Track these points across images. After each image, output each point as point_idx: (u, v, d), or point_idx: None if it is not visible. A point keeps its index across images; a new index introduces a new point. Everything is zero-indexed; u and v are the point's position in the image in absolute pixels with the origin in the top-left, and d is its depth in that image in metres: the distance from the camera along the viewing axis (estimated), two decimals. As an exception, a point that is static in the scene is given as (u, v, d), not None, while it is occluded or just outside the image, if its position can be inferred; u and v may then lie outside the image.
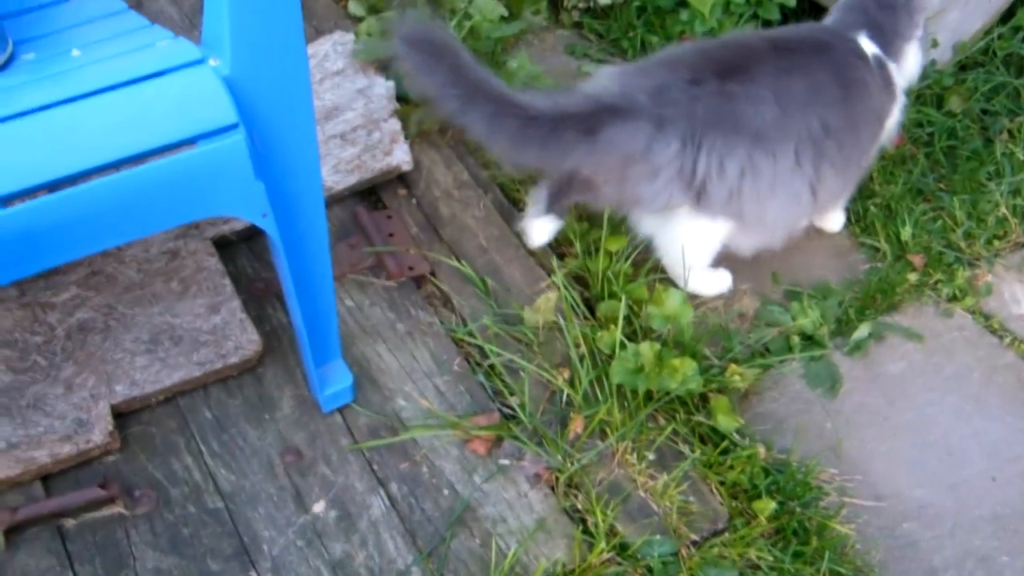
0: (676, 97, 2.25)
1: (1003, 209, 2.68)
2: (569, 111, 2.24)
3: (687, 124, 2.24)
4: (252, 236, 2.46)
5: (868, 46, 2.48)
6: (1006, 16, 3.17)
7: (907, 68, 2.58)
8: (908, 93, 2.66)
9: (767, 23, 3.20)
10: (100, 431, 2.03)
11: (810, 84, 2.33)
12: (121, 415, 2.12)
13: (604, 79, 2.37)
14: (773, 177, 2.31)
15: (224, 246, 2.44)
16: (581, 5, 3.32)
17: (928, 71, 2.99)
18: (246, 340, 2.21)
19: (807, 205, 2.41)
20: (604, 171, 2.31)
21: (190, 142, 1.60)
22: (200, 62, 1.64)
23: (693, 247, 2.42)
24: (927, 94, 2.98)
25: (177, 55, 1.66)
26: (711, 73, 2.28)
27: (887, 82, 2.50)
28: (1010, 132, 2.90)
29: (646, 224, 2.45)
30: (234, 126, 1.62)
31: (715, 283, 2.54)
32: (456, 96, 2.20)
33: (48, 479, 2.03)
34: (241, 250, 2.46)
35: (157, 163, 1.59)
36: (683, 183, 2.28)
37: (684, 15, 3.23)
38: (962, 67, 3.09)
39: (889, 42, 2.52)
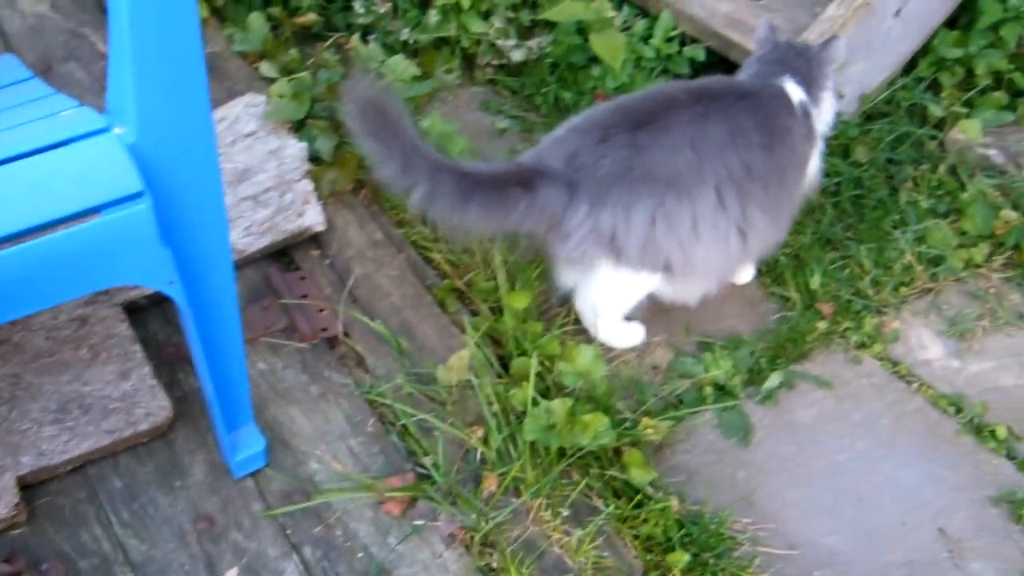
0: (584, 161, 2.30)
1: (908, 256, 2.73)
2: (509, 170, 2.32)
3: (593, 184, 2.28)
4: (163, 301, 2.44)
5: (795, 92, 2.56)
6: (909, 67, 3.25)
7: (825, 115, 2.66)
8: (825, 141, 2.74)
9: (678, 76, 3.25)
10: (5, 504, 2.01)
11: (729, 128, 2.37)
12: (28, 486, 2.09)
13: (541, 147, 2.44)
14: (693, 220, 2.33)
15: (135, 311, 2.42)
16: (494, 62, 3.36)
17: (835, 122, 3.05)
18: (156, 406, 2.20)
19: (737, 247, 2.43)
20: (538, 227, 2.35)
21: (95, 211, 1.60)
22: (104, 131, 1.65)
23: (608, 300, 2.46)
24: (834, 145, 3.03)
25: (81, 124, 1.66)
26: (622, 127, 2.33)
27: (809, 128, 2.58)
28: (914, 180, 2.96)
29: (568, 276, 2.49)
30: (139, 194, 1.62)
31: (627, 336, 2.57)
32: (399, 161, 2.20)
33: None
34: (152, 315, 2.45)
35: (62, 233, 1.58)
36: (596, 241, 2.32)
37: (596, 71, 3.28)
38: (867, 117, 3.15)
39: (810, 89, 2.60)
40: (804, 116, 2.55)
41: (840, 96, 3.01)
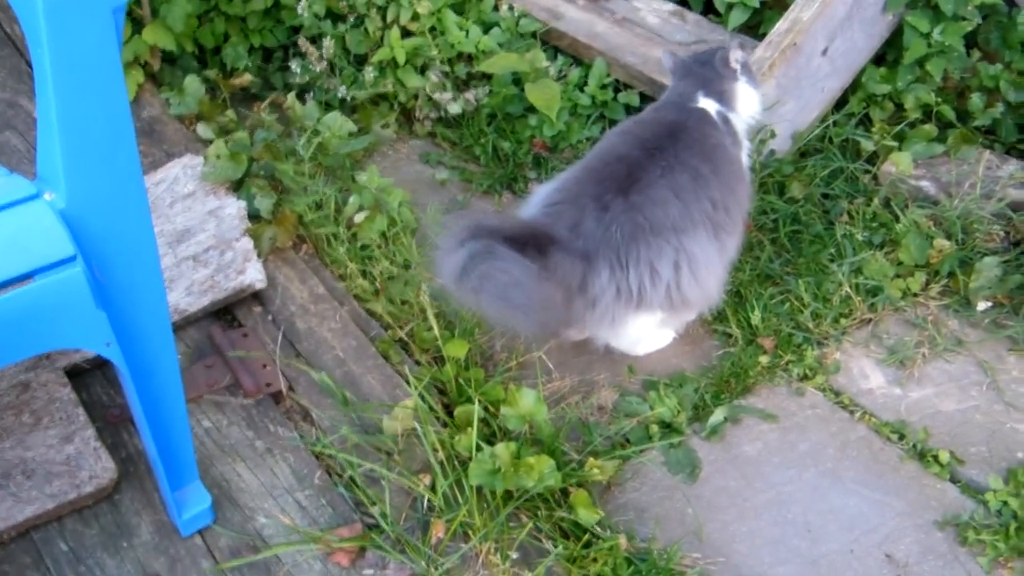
0: (592, 228, 2.40)
1: (846, 288, 2.77)
2: (525, 230, 2.40)
3: (610, 251, 2.39)
4: (105, 363, 2.43)
5: (709, 105, 2.70)
6: (840, 103, 3.31)
7: (745, 110, 2.81)
8: (751, 138, 2.89)
9: (614, 122, 3.30)
10: (-51, 572, 1.99)
11: (691, 174, 2.50)
12: (-29, 554, 2.08)
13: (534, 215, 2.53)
14: (703, 254, 2.47)
15: (77, 374, 2.42)
16: (432, 115, 3.39)
17: (769, 160, 3.10)
18: (101, 468, 2.19)
19: (724, 272, 2.59)
20: (553, 292, 2.40)
21: (27, 277, 1.61)
22: (35, 197, 1.66)
23: (639, 336, 2.62)
24: (769, 182, 3.08)
25: (10, 191, 1.67)
26: (613, 192, 2.43)
27: (733, 133, 2.73)
28: (849, 214, 3.01)
29: (598, 334, 2.60)
30: (72, 258, 1.63)
31: (662, 340, 2.69)
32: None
33: None
34: (95, 377, 2.45)
35: (-8, 300, 1.59)
36: (623, 300, 2.43)
37: (533, 120, 3.33)
38: (802, 154, 3.21)
39: (721, 94, 2.75)
40: (725, 124, 2.72)
41: (772, 135, 3.07)
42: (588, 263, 2.40)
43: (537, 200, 2.56)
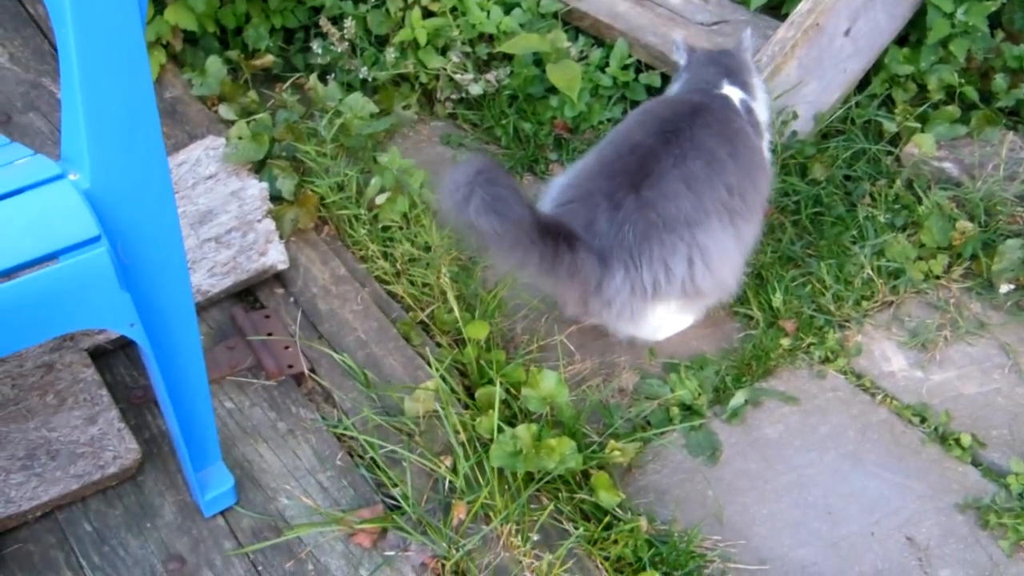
0: (604, 229, 2.41)
1: (868, 270, 2.76)
2: (558, 224, 2.39)
3: (624, 251, 2.40)
4: (129, 344, 2.46)
5: (734, 93, 2.71)
6: (862, 85, 3.29)
7: (762, 104, 2.82)
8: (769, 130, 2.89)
9: (635, 103, 3.29)
10: (-25, 552, 2.01)
11: (706, 159, 2.49)
12: (-3, 534, 2.09)
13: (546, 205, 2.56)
14: (717, 245, 2.47)
15: (100, 356, 2.43)
16: (454, 96, 3.39)
17: (791, 142, 3.09)
18: (124, 449, 2.21)
19: (741, 260, 2.59)
20: (573, 289, 2.45)
21: (52, 257, 1.61)
22: (59, 177, 1.66)
23: (657, 325, 2.62)
24: (791, 164, 3.07)
25: (35, 172, 1.67)
26: (625, 189, 2.43)
27: (755, 124, 2.73)
28: (871, 196, 3.00)
29: (619, 329, 2.62)
30: (96, 239, 1.63)
31: (680, 323, 2.69)
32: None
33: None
34: (118, 358, 2.46)
35: (19, 280, 1.60)
36: (638, 299, 2.45)
37: (554, 101, 3.32)
38: (824, 136, 3.20)
39: (745, 84, 2.78)
40: (748, 113, 2.72)
41: (795, 116, 3.06)
42: (604, 265, 2.41)
43: (551, 197, 2.57)
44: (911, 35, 3.31)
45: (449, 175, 2.23)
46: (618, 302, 2.45)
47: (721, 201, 2.49)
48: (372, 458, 2.28)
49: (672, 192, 2.44)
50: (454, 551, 2.11)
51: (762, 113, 2.81)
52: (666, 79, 3.21)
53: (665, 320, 2.60)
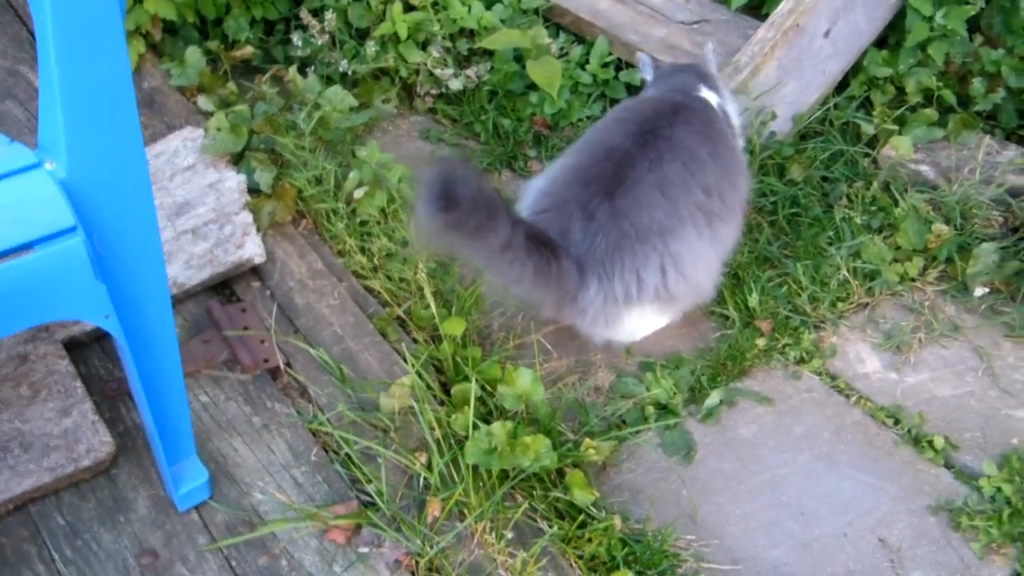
0: (578, 238, 2.41)
1: (844, 272, 2.77)
2: (541, 231, 2.37)
3: (597, 263, 2.40)
4: (104, 336, 2.45)
5: (711, 96, 2.73)
6: (841, 86, 3.30)
7: (734, 109, 2.85)
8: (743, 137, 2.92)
9: (615, 100, 3.29)
10: (-54, 544, 2.00)
11: (683, 160, 2.49)
12: (-31, 526, 2.08)
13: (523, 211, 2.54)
14: (690, 253, 2.47)
15: (75, 347, 2.42)
16: (433, 91, 3.38)
17: (769, 142, 3.10)
18: (98, 442, 2.20)
19: (717, 262, 2.60)
20: (553, 296, 2.45)
21: (27, 247, 1.60)
22: (35, 166, 1.65)
23: (634, 328, 2.61)
24: (769, 164, 3.08)
25: (11, 160, 1.66)
26: (599, 198, 2.42)
27: (731, 127, 2.75)
28: (848, 197, 3.01)
29: (595, 334, 2.62)
30: (71, 229, 1.62)
31: (656, 323, 2.66)
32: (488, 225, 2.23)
33: None
34: (93, 351, 2.45)
35: (-7, 269, 1.58)
36: (611, 308, 2.46)
37: (534, 97, 3.32)
38: (802, 137, 3.21)
39: (718, 89, 2.80)
40: (724, 116, 2.74)
41: (773, 116, 3.06)
42: (580, 273, 2.41)
43: (527, 202, 2.57)
44: (890, 37, 3.32)
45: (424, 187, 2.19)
46: (591, 311, 2.45)
47: (697, 204, 2.49)
48: (347, 454, 2.28)
49: (646, 200, 2.43)
50: (428, 548, 2.11)
51: (735, 118, 2.84)
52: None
53: (640, 324, 2.60)
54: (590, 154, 2.56)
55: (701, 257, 2.50)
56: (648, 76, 2.92)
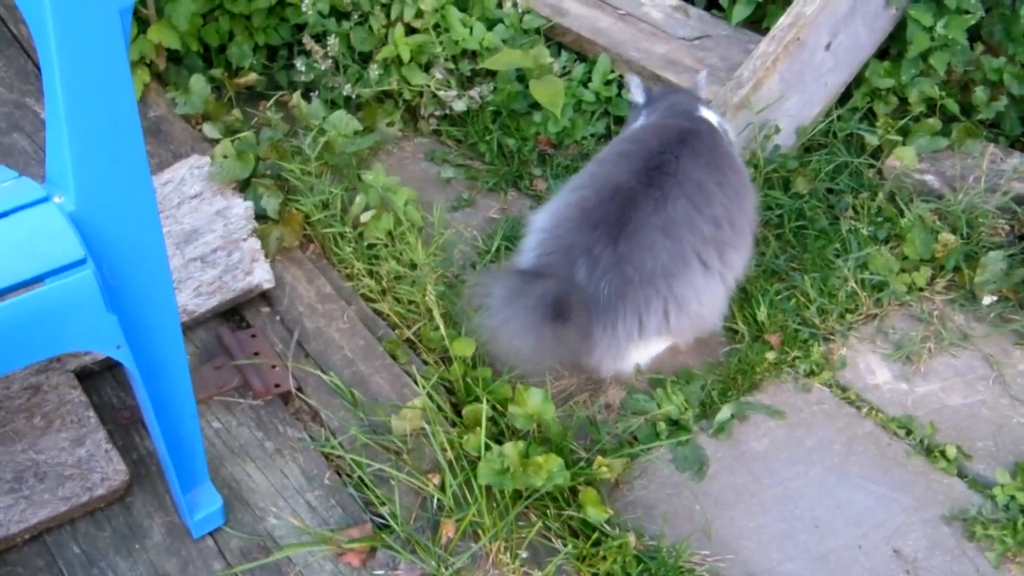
0: (584, 283, 2.41)
1: (852, 283, 2.78)
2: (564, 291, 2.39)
3: (599, 308, 2.41)
4: (115, 365, 2.46)
5: (712, 116, 2.75)
6: (844, 98, 3.31)
7: (729, 130, 2.85)
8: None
9: (619, 119, 3.30)
10: (-38, 576, 2.01)
11: (689, 196, 2.49)
12: (-15, 558, 2.09)
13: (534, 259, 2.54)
14: (695, 293, 2.48)
15: (87, 377, 2.43)
16: (437, 112, 3.39)
17: (773, 156, 3.11)
18: (112, 471, 2.20)
19: (725, 292, 2.59)
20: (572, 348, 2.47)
21: (38, 280, 1.61)
22: (44, 200, 1.66)
23: (641, 357, 2.61)
24: (774, 178, 3.09)
25: (20, 195, 1.67)
26: (603, 242, 2.42)
27: (731, 145, 2.76)
28: (854, 209, 3.02)
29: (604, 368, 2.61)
30: (82, 261, 1.63)
31: (661, 346, 2.65)
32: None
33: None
34: (105, 380, 2.46)
35: (5, 303, 1.59)
36: (614, 349, 2.48)
37: (537, 116, 3.33)
38: (806, 149, 3.21)
39: (713, 111, 2.82)
40: (724, 133, 2.75)
41: (776, 130, 3.07)
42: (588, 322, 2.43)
43: (530, 243, 2.56)
44: (891, 48, 3.33)
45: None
46: (598, 352, 2.47)
47: (705, 239, 2.49)
48: (360, 477, 2.28)
49: (649, 243, 2.44)
50: (443, 569, 2.12)
51: (733, 138, 2.86)
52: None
53: (644, 354, 2.61)
54: (594, 192, 2.54)
55: (706, 296, 2.52)
56: (639, 99, 2.91)
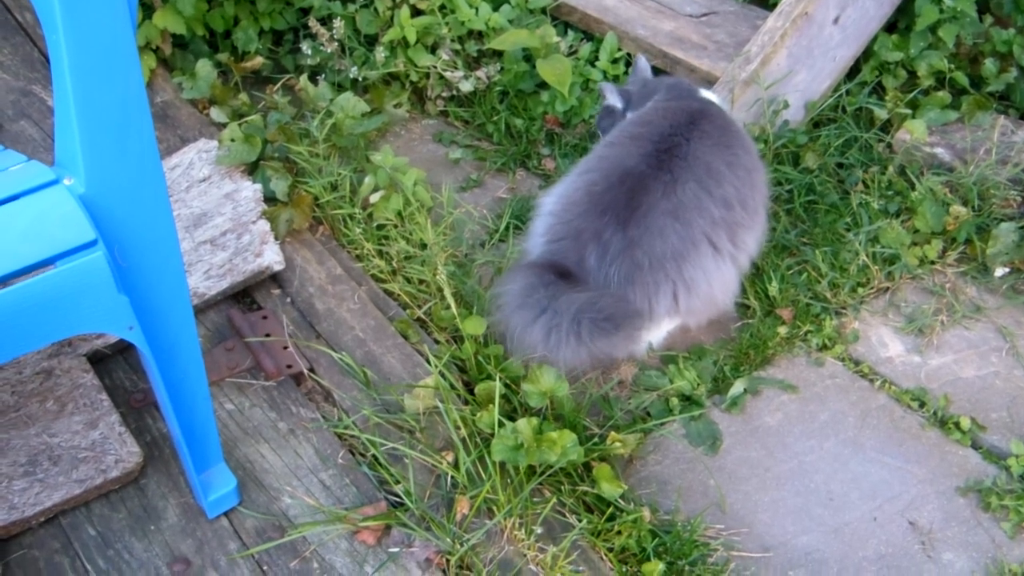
0: (594, 269, 2.42)
1: (863, 257, 2.77)
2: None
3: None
4: (127, 348, 2.46)
5: (712, 96, 2.76)
6: (852, 72, 3.30)
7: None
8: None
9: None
10: (-22, 560, 2.01)
11: (699, 179, 2.48)
12: (1, 541, 2.08)
13: (543, 245, 2.55)
14: (705, 276, 2.48)
15: (99, 360, 2.43)
16: (444, 94, 3.39)
17: (782, 131, 3.10)
18: (126, 453, 2.21)
19: (737, 272, 2.59)
20: None
21: (49, 263, 1.61)
22: (54, 183, 1.66)
23: (650, 339, 2.61)
24: (783, 153, 3.08)
25: (30, 178, 1.67)
26: (612, 227, 2.43)
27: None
28: (864, 183, 3.00)
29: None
30: (92, 243, 1.63)
31: (670, 326, 2.65)
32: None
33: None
34: (117, 363, 2.46)
35: (16, 287, 1.59)
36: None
37: (545, 96, 3.32)
38: (815, 124, 3.20)
39: (710, 90, 2.81)
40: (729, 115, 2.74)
41: (785, 105, 3.06)
42: None
43: (540, 227, 2.56)
44: (900, 22, 3.32)
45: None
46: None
47: (715, 222, 2.48)
48: (373, 456, 2.28)
49: (659, 228, 2.43)
50: (458, 546, 2.11)
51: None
52: (656, 71, 3.20)
53: (656, 335, 2.60)
54: (603, 176, 2.53)
55: (715, 278, 2.51)
56: (617, 102, 2.87)
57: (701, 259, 2.47)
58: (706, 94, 2.78)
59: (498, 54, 3.37)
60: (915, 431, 2.43)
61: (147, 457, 2.24)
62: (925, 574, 2.17)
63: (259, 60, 3.41)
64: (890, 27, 3.31)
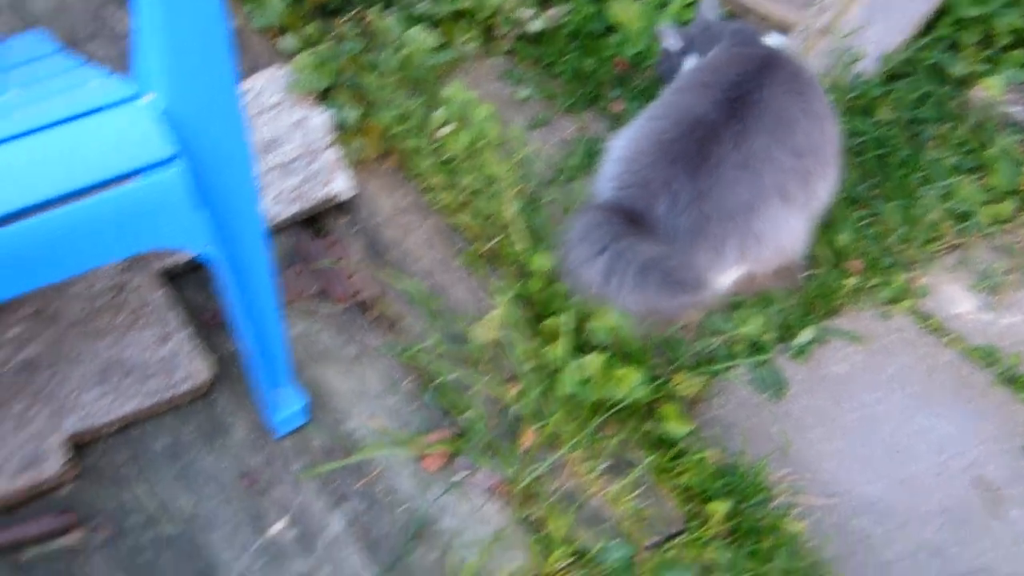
0: (663, 219, 2.36)
1: (936, 213, 2.74)
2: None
3: (678, 246, 2.36)
4: (198, 267, 2.46)
5: (779, 41, 2.71)
6: (929, 27, 3.25)
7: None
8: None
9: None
10: (53, 464, 2.03)
11: (770, 129, 2.43)
12: (74, 447, 2.11)
13: (613, 189, 2.48)
14: (773, 227, 2.42)
15: (172, 277, 2.44)
16: (513, 32, 3.36)
17: (855, 83, 3.06)
18: (196, 369, 2.22)
19: (806, 224, 2.53)
20: None
21: (128, 176, 1.61)
22: (135, 97, 1.66)
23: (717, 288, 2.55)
24: (856, 104, 3.04)
25: (112, 92, 1.67)
26: (681, 178, 2.37)
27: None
28: (938, 138, 2.97)
29: None
30: (171, 159, 1.63)
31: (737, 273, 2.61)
32: None
33: (1, 514, 2.02)
34: (188, 281, 2.46)
35: (95, 199, 1.60)
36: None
37: (614, 39, 3.29)
38: (889, 77, 3.16)
39: (773, 37, 2.76)
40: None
41: (859, 57, 3.03)
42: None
43: (610, 172, 2.52)
44: (980, -22, 3.27)
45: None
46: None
47: (785, 172, 2.43)
48: (439, 384, 2.28)
49: (729, 180, 2.38)
50: (523, 476, 2.11)
51: None
52: (730, 18, 3.17)
53: (723, 282, 2.55)
54: (673, 124, 2.49)
55: (785, 228, 2.45)
56: (675, 44, 2.83)
57: (771, 210, 2.43)
58: (771, 40, 2.74)
59: (569, -6, 3.34)
60: (983, 388, 2.41)
61: (217, 374, 2.25)
62: (990, 530, 2.16)
63: (329, -9, 3.39)
64: (970, -17, 3.26)
